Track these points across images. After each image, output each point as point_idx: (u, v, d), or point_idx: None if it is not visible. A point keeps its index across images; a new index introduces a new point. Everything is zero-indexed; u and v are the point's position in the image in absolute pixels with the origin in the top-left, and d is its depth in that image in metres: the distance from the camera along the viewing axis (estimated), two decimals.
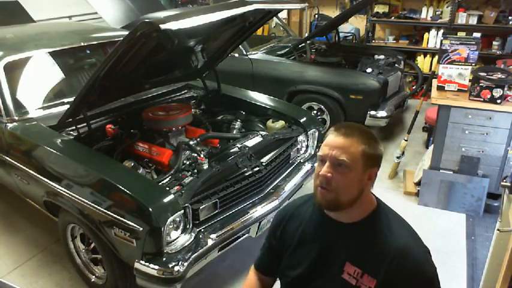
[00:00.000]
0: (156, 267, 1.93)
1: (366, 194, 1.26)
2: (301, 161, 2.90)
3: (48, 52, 2.90)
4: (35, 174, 2.36)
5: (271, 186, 2.55)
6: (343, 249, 1.27)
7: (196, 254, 2.03)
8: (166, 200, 1.96)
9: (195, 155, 2.40)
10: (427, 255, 1.23)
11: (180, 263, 1.95)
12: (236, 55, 4.42)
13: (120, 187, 1.99)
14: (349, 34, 6.31)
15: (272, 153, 2.62)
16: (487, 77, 2.95)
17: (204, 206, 2.15)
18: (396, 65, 4.68)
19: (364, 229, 1.25)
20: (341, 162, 1.18)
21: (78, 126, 2.44)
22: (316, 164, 1.26)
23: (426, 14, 5.72)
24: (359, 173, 1.20)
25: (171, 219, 1.93)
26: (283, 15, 6.64)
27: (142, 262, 1.96)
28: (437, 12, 5.65)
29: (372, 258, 1.22)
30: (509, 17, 5.22)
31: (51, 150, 2.31)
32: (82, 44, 3.07)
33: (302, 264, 1.34)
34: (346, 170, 1.19)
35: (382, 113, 4.06)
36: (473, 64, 3.16)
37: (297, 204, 1.46)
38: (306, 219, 1.37)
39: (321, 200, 1.23)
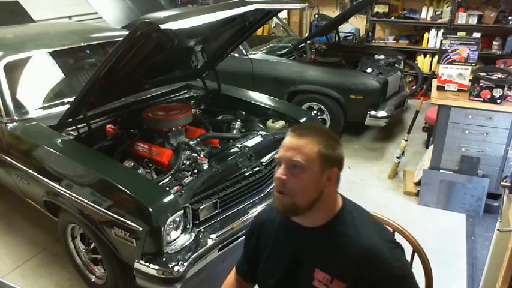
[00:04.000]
0: (156, 267, 1.93)
1: (328, 196, 1.20)
2: None
3: (48, 52, 2.90)
4: (35, 174, 2.36)
5: (271, 186, 2.54)
6: (311, 256, 1.23)
7: (196, 254, 2.03)
8: (166, 200, 1.96)
9: (195, 155, 2.40)
10: (396, 251, 1.18)
11: (180, 263, 1.95)
12: (236, 55, 4.42)
13: (120, 187, 1.99)
14: (349, 34, 6.31)
15: (272, 153, 2.61)
16: (487, 77, 2.95)
17: (204, 206, 2.15)
18: (396, 65, 4.68)
19: (329, 233, 1.20)
20: (296, 164, 1.14)
21: (78, 126, 2.44)
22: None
23: (426, 14, 5.72)
24: (316, 174, 1.15)
25: (171, 219, 1.93)
26: (283, 15, 6.64)
27: (142, 262, 1.96)
28: (437, 12, 5.65)
29: (339, 263, 1.18)
30: (509, 17, 5.22)
31: (51, 150, 2.31)
32: (82, 44, 3.07)
33: (276, 273, 1.31)
34: (301, 171, 1.14)
35: (382, 113, 4.06)
36: (473, 64, 3.16)
37: (268, 211, 1.41)
38: (276, 227, 1.32)
39: (278, 205, 1.18)
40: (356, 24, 6.55)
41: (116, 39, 3.13)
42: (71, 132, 2.52)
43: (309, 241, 1.24)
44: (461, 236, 2.98)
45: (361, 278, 1.14)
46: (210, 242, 2.10)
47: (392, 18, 5.99)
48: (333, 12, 6.62)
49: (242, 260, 1.49)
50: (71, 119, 2.44)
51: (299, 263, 1.25)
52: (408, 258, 1.51)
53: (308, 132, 1.18)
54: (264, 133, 2.78)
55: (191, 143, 2.48)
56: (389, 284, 1.13)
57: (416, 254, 1.50)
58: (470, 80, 3.10)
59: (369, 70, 4.24)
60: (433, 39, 5.69)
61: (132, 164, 2.31)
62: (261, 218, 1.41)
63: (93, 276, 2.47)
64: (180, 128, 2.69)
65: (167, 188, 2.09)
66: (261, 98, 3.22)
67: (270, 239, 1.34)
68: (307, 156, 1.14)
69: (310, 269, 1.22)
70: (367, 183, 3.67)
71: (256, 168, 2.42)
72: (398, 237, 1.52)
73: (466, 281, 2.56)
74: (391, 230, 1.50)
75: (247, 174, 2.38)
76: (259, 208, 2.36)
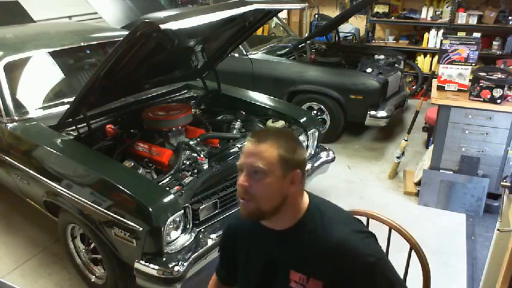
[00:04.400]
0: (156, 267, 1.93)
1: (294, 198, 1.19)
2: None
3: (48, 52, 2.89)
4: (35, 174, 2.36)
5: None
6: (284, 258, 1.23)
7: (196, 254, 2.03)
8: (166, 200, 1.96)
9: (195, 155, 2.40)
10: (367, 240, 1.18)
11: (180, 263, 1.95)
12: (236, 55, 4.41)
13: (120, 187, 1.99)
14: (349, 34, 6.31)
15: None
16: (487, 77, 2.95)
17: (204, 206, 2.15)
18: (396, 65, 4.68)
19: (299, 233, 1.20)
20: (257, 169, 1.13)
21: (78, 126, 2.44)
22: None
23: (426, 14, 5.71)
24: (278, 178, 1.14)
25: (171, 219, 1.93)
26: (283, 15, 6.63)
27: (142, 262, 1.96)
28: (437, 12, 5.65)
29: (312, 261, 1.18)
30: (509, 17, 5.22)
31: (51, 150, 2.31)
32: (82, 44, 3.07)
33: (254, 279, 1.31)
34: (263, 176, 1.13)
35: (382, 113, 4.06)
36: (473, 64, 3.16)
37: (236, 218, 1.40)
38: (248, 233, 1.32)
39: (243, 212, 1.18)
40: (356, 24, 6.55)
41: (116, 39, 3.12)
42: (71, 132, 2.52)
43: (280, 244, 1.24)
44: (461, 236, 2.97)
45: (336, 272, 1.14)
46: (210, 242, 2.10)
47: (393, 18, 5.99)
48: (333, 12, 6.62)
49: (220, 267, 1.49)
50: (71, 119, 2.44)
51: (274, 266, 1.25)
52: (405, 258, 1.52)
53: (267, 137, 1.17)
54: None
55: (191, 143, 2.48)
56: (363, 273, 1.13)
57: (415, 254, 1.50)
58: (470, 80, 3.10)
59: (369, 70, 4.24)
60: (433, 39, 5.69)
61: (132, 164, 2.31)
62: (233, 224, 1.41)
63: (93, 276, 2.47)
64: (180, 128, 2.69)
65: (167, 188, 2.09)
66: (261, 98, 3.22)
67: (244, 244, 1.34)
68: (267, 161, 1.13)
69: (285, 271, 1.22)
70: (367, 183, 3.67)
71: None
72: (397, 237, 1.53)
73: (466, 281, 2.56)
74: (363, 219, 1.43)
75: None
76: None
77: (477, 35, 4.70)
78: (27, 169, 2.41)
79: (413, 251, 1.50)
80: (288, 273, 1.22)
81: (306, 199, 1.25)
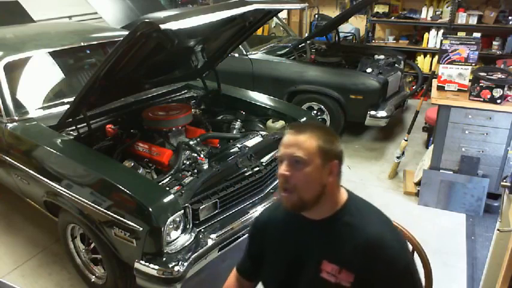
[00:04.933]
0: (156, 267, 1.93)
1: (332, 188, 1.23)
2: None
3: (48, 52, 2.89)
4: (35, 174, 2.36)
5: (271, 186, 2.55)
6: (318, 248, 1.26)
7: (196, 254, 2.03)
8: (166, 200, 1.96)
9: (195, 155, 2.40)
10: (402, 242, 1.23)
11: (180, 263, 1.95)
12: (236, 55, 4.42)
13: (120, 187, 1.99)
14: (349, 34, 6.30)
15: (272, 153, 2.61)
16: (487, 77, 2.95)
17: (204, 206, 2.15)
18: (396, 65, 4.68)
19: (335, 224, 1.24)
20: (297, 159, 1.17)
21: (78, 126, 2.44)
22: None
23: (426, 14, 5.72)
24: (317, 168, 1.18)
25: (171, 219, 1.93)
26: (283, 15, 6.63)
27: (142, 262, 1.96)
28: (437, 12, 5.65)
29: (346, 253, 1.20)
30: (509, 17, 5.22)
31: (51, 150, 2.31)
32: (82, 44, 3.07)
33: (284, 268, 1.33)
34: (303, 166, 1.17)
35: (382, 113, 4.06)
36: (473, 64, 3.16)
37: (272, 208, 1.45)
38: (281, 225, 1.35)
39: (286, 204, 1.22)
40: (356, 24, 6.55)
41: (116, 39, 3.12)
42: (71, 132, 2.52)
43: (316, 234, 1.26)
44: (461, 236, 2.97)
45: (368, 267, 1.17)
46: (210, 242, 2.10)
47: (393, 18, 5.99)
48: (333, 12, 6.62)
49: (244, 259, 1.50)
50: (71, 119, 2.44)
51: (306, 256, 1.28)
52: None
53: (306, 128, 1.22)
54: (264, 133, 2.78)
55: (191, 143, 2.48)
56: (394, 274, 1.17)
57: (416, 254, 1.50)
58: (470, 80, 3.10)
59: (369, 70, 4.24)
60: (433, 39, 5.69)
61: (132, 164, 2.31)
62: (264, 216, 1.44)
63: (93, 276, 2.47)
64: (180, 128, 2.69)
65: (167, 188, 2.09)
66: (261, 98, 3.22)
67: (275, 236, 1.36)
68: (307, 151, 1.17)
69: (318, 261, 1.25)
70: (367, 183, 3.67)
71: (256, 168, 2.42)
72: None
73: (466, 281, 2.56)
74: None
75: (247, 174, 2.38)
76: (259, 208, 2.36)
77: (477, 35, 4.70)
78: (27, 169, 2.41)
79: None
80: (320, 263, 1.24)
81: (344, 194, 1.29)
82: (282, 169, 1.19)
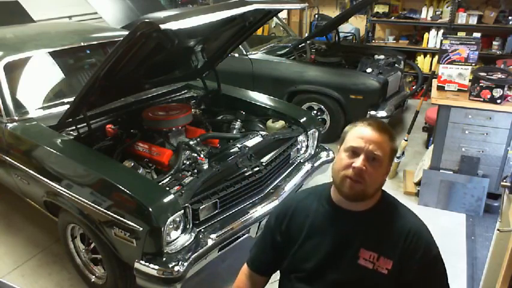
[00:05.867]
0: (156, 267, 1.93)
1: (382, 185, 1.34)
2: (301, 161, 2.90)
3: (48, 52, 2.89)
4: (35, 174, 2.36)
5: (271, 186, 2.55)
6: (356, 237, 1.30)
7: (196, 254, 2.03)
8: (166, 200, 1.96)
9: (195, 155, 2.40)
10: (430, 232, 1.33)
11: (180, 263, 1.95)
12: (236, 55, 4.41)
13: (120, 187, 1.99)
14: (349, 34, 6.31)
15: (272, 153, 2.62)
16: (487, 77, 2.95)
17: (204, 206, 2.15)
18: (396, 65, 4.68)
19: (375, 215, 1.32)
20: (375, 157, 1.24)
21: (78, 126, 2.44)
22: (341, 155, 1.29)
23: (426, 14, 5.72)
24: (386, 167, 1.29)
25: (171, 219, 1.93)
26: (283, 15, 6.64)
27: (142, 262, 1.96)
28: (437, 12, 5.65)
29: (386, 241, 1.28)
30: (509, 17, 5.23)
31: (51, 150, 2.31)
32: (82, 44, 3.07)
33: (313, 258, 1.34)
34: (378, 164, 1.25)
35: (382, 113, 4.05)
36: (473, 64, 3.16)
37: (299, 198, 1.46)
38: (313, 213, 1.38)
39: (349, 191, 1.26)
40: (356, 24, 6.55)
41: (116, 39, 3.12)
42: (71, 132, 2.52)
43: (356, 223, 1.32)
44: (461, 236, 2.97)
45: (406, 255, 1.25)
46: (210, 242, 2.10)
47: (392, 18, 6.00)
48: (333, 12, 6.62)
49: (259, 254, 1.51)
50: (71, 119, 2.44)
51: (344, 245, 1.32)
52: None
53: (385, 128, 1.30)
54: (264, 133, 2.78)
55: (191, 143, 2.48)
56: (430, 260, 1.27)
57: None
58: (470, 80, 3.10)
59: (369, 70, 4.24)
60: (433, 39, 5.69)
61: (132, 164, 2.31)
62: (292, 206, 1.45)
63: (93, 276, 2.47)
64: (180, 128, 2.69)
65: (167, 188, 2.09)
66: (261, 98, 3.22)
67: (304, 225, 1.38)
68: (385, 152, 1.27)
69: (356, 248, 1.30)
70: None
71: (256, 168, 2.42)
72: None
73: (466, 281, 2.56)
74: None
75: (247, 174, 2.38)
76: (259, 208, 2.36)
77: (477, 35, 4.69)
78: (27, 169, 2.41)
79: None
80: (358, 251, 1.29)
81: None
82: (360, 163, 1.23)
